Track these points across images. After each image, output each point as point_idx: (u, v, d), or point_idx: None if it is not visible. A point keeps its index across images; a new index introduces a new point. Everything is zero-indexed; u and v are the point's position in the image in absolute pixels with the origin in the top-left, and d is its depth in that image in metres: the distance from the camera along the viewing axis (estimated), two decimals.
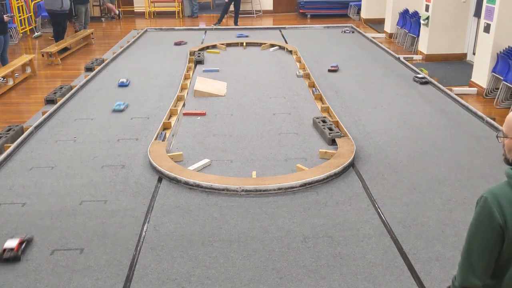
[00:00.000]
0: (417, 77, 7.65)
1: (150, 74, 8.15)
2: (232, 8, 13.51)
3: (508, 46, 7.01)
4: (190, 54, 9.33)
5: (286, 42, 10.73)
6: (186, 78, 7.90)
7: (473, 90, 7.50)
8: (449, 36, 9.29)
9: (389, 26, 11.76)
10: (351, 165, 4.83)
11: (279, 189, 4.34)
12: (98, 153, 5.19)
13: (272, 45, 10.20)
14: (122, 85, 7.55)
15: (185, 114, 6.33)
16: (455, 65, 9.05)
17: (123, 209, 4.12)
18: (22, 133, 5.65)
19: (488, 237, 1.70)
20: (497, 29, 7.06)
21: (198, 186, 4.41)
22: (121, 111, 6.41)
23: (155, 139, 5.40)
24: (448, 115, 6.23)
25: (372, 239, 3.68)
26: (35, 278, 3.28)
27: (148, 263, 3.43)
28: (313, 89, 7.24)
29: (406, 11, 10.90)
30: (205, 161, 4.93)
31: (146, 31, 12.20)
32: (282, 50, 9.96)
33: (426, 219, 3.94)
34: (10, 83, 7.98)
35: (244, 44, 10.36)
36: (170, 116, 6.21)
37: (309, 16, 14.94)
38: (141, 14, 15.58)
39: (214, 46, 10.18)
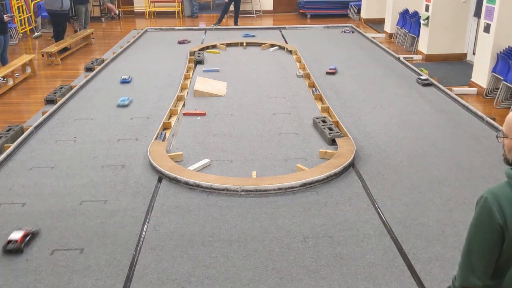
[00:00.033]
0: (420, 78, 7.61)
1: (150, 74, 8.16)
2: (232, 8, 13.51)
3: (508, 46, 7.01)
4: (190, 54, 9.33)
5: (286, 42, 10.73)
6: (186, 78, 7.90)
7: (473, 90, 7.50)
8: (449, 36, 9.29)
9: (389, 26, 11.76)
10: (351, 165, 4.83)
11: (279, 189, 4.34)
12: (98, 153, 5.19)
13: (272, 45, 10.20)
14: (124, 82, 7.62)
15: (185, 114, 6.33)
16: (455, 65, 9.05)
17: (123, 209, 4.12)
18: (22, 133, 5.65)
19: (488, 237, 1.70)
20: (497, 29, 7.06)
21: (198, 186, 4.41)
22: (125, 106, 6.55)
23: (155, 139, 5.40)
24: (448, 115, 6.23)
25: (372, 239, 3.68)
26: (35, 278, 3.28)
27: (148, 263, 3.43)
28: (313, 89, 7.24)
29: (406, 11, 10.89)
30: (205, 161, 4.93)
31: (146, 31, 12.20)
32: (282, 50, 9.96)
33: (426, 219, 3.94)
34: (10, 83, 7.98)
35: (244, 44, 10.37)
36: (170, 116, 6.21)
37: (309, 16, 14.94)
38: (141, 14, 15.58)
39: (214, 46, 10.18)
